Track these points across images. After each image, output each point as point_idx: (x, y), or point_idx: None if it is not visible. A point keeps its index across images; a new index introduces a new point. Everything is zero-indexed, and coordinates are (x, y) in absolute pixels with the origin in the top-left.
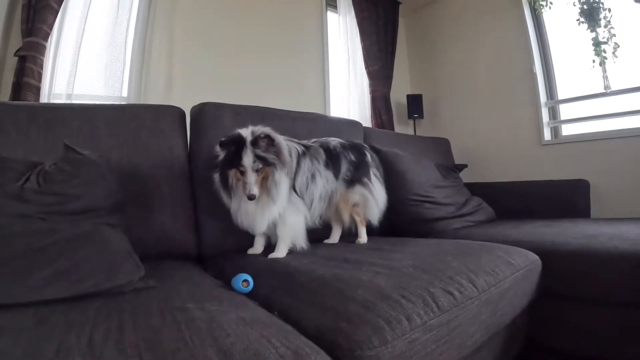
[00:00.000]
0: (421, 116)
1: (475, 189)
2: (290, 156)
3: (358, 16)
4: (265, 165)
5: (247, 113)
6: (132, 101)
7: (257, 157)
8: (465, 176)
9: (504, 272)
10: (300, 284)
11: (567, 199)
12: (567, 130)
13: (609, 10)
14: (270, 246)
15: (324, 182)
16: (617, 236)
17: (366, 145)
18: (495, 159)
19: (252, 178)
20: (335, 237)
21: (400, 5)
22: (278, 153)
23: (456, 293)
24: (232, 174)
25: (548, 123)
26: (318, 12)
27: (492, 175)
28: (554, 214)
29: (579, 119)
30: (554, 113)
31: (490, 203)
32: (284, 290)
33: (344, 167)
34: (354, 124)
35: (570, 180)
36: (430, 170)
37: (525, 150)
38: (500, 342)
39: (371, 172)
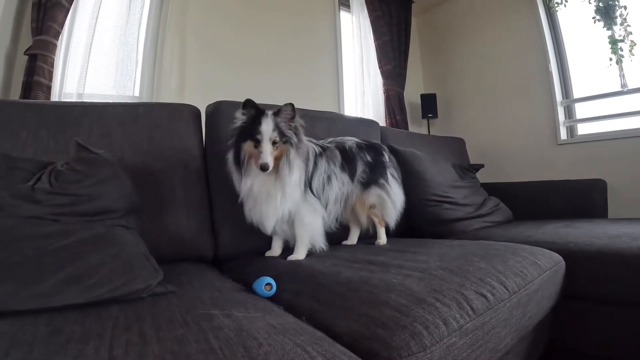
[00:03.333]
0: (435, 116)
1: (492, 189)
2: (308, 154)
3: (371, 15)
4: (282, 141)
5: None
6: (144, 101)
7: (277, 127)
8: (481, 176)
9: (532, 274)
10: (326, 287)
11: (585, 199)
12: (583, 129)
13: (625, 7)
14: (288, 248)
15: (340, 184)
16: None
17: (384, 146)
18: (511, 159)
19: (267, 147)
20: (353, 238)
21: (413, 4)
22: (296, 132)
23: (489, 295)
24: (246, 147)
25: (564, 122)
26: (331, 12)
27: (507, 175)
28: (571, 214)
29: (595, 118)
30: (569, 112)
31: (507, 203)
32: (309, 294)
33: (360, 168)
34: (371, 124)
35: (587, 180)
36: (448, 170)
37: (541, 150)
38: (525, 346)
39: (388, 173)
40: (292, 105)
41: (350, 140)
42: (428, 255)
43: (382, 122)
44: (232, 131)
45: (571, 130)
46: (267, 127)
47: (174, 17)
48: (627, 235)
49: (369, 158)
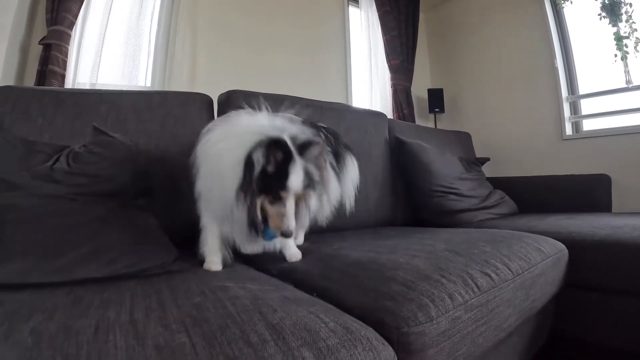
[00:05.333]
0: (442, 110)
1: (497, 182)
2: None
3: (379, 10)
4: (306, 187)
5: (275, 102)
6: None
7: (306, 176)
8: (487, 170)
9: (535, 258)
10: (336, 268)
11: (589, 193)
12: (588, 125)
13: (631, 5)
14: None
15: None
16: None
17: (323, 126)
18: (517, 154)
19: (292, 207)
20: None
21: (421, 0)
22: (320, 167)
23: (493, 275)
24: (259, 203)
25: (569, 118)
26: (340, 7)
27: (513, 170)
28: (575, 209)
29: (601, 114)
30: (575, 108)
31: (512, 197)
32: (319, 274)
33: None
34: (379, 116)
35: (592, 175)
36: (454, 162)
37: (547, 145)
38: (530, 330)
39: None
40: (321, 143)
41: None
42: (434, 240)
43: (389, 116)
44: (244, 177)
45: (576, 126)
46: (297, 179)
47: (186, 7)
48: (629, 226)
49: None
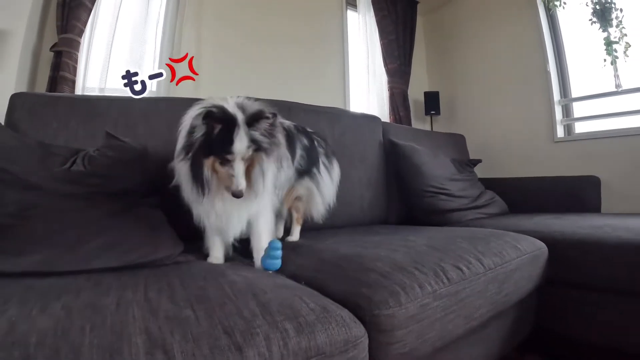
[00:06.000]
0: (438, 113)
1: (489, 183)
2: (280, 147)
3: (377, 15)
4: (256, 151)
5: (274, 107)
6: (162, 96)
7: (252, 141)
8: (480, 171)
9: (510, 255)
10: (325, 260)
11: (578, 194)
12: (580, 127)
13: (621, 10)
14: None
15: (286, 166)
16: (622, 227)
17: (312, 131)
18: (509, 155)
19: (240, 169)
20: (295, 233)
21: (418, 5)
22: (272, 134)
23: (464, 269)
24: (209, 163)
25: (561, 121)
26: (338, 11)
27: (505, 171)
28: (565, 209)
29: (591, 117)
30: (567, 111)
31: (503, 197)
32: (310, 266)
33: (298, 152)
34: (373, 119)
35: (582, 177)
36: (446, 164)
37: (538, 147)
38: (508, 323)
39: (320, 161)
40: (274, 114)
41: (286, 122)
42: (417, 237)
43: (386, 118)
44: (187, 140)
45: (568, 129)
46: (241, 144)
47: (190, 15)
48: (610, 226)
49: (305, 141)
